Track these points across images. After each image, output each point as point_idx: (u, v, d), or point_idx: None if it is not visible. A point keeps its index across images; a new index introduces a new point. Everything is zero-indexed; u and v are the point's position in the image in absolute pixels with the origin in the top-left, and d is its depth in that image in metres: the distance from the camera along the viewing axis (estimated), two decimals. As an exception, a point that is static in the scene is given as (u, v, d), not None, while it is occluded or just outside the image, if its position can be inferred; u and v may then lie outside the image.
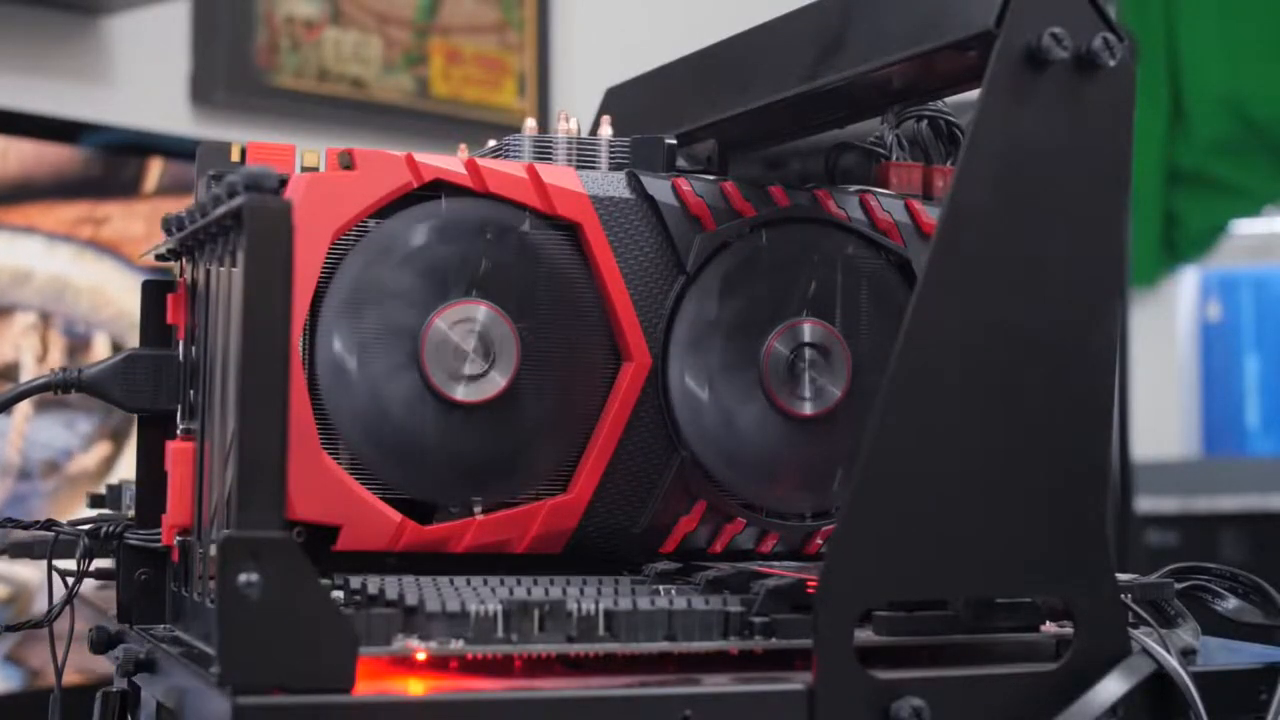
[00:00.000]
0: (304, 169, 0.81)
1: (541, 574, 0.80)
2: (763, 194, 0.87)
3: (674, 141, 0.88)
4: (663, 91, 1.01)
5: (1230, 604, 0.83)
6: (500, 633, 0.68)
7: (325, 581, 0.69)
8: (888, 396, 0.69)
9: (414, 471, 0.81)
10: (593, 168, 0.87)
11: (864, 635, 0.71)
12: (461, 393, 0.81)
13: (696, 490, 0.85)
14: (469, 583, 0.76)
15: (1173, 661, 0.72)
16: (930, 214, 0.90)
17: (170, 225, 0.82)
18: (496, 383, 0.81)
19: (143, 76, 1.96)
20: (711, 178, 0.87)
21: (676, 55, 1.00)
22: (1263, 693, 0.75)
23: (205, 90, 2.01)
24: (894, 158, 0.97)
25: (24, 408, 1.64)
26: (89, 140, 1.64)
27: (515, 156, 0.86)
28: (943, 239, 0.71)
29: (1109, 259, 0.74)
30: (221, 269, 0.74)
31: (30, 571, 1.56)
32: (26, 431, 1.67)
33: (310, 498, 0.78)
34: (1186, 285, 3.30)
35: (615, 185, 0.85)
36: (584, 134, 0.88)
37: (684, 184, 0.86)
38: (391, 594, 0.71)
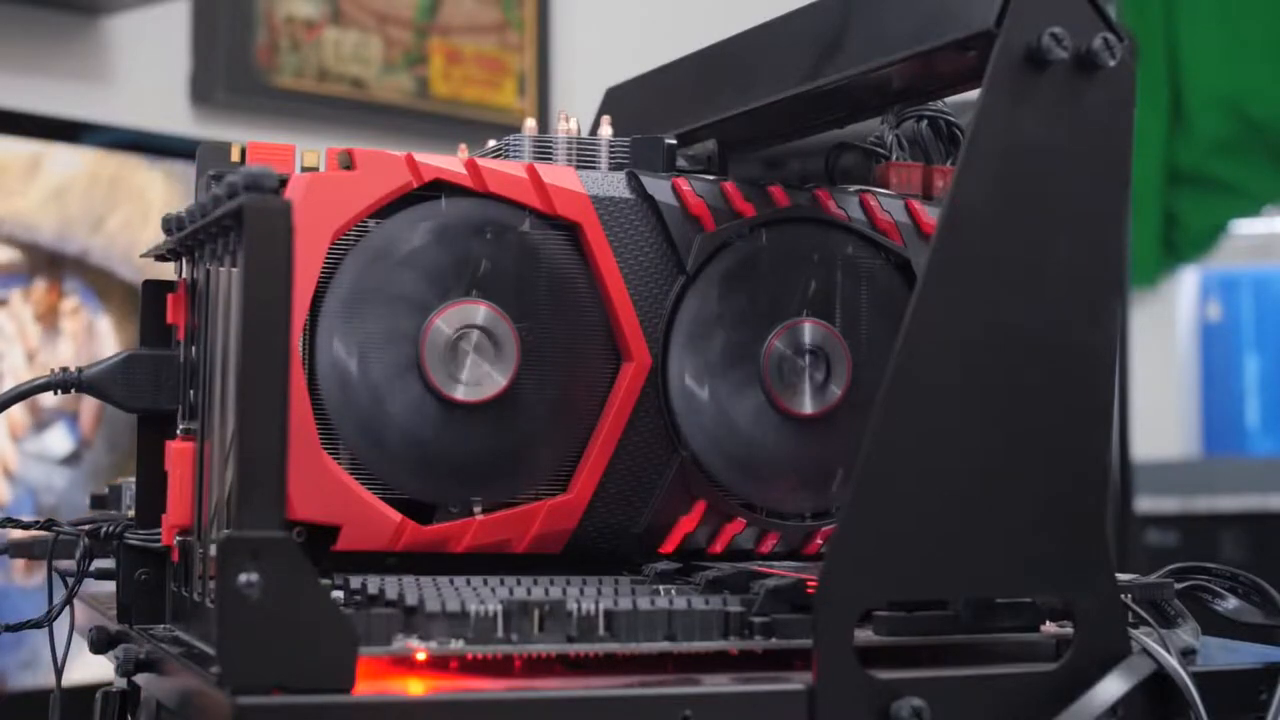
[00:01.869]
0: (304, 169, 0.81)
1: (541, 574, 0.80)
2: (763, 194, 0.87)
3: (674, 141, 0.88)
4: (663, 91, 1.01)
5: (1230, 604, 0.83)
6: (500, 633, 0.68)
7: (325, 581, 0.69)
8: (887, 396, 0.69)
9: (414, 471, 0.81)
10: (593, 168, 0.87)
11: (864, 635, 0.71)
12: (461, 393, 0.81)
13: (696, 490, 0.85)
14: (469, 583, 0.76)
15: (1173, 661, 0.72)
16: (930, 214, 0.90)
17: (170, 225, 0.82)
18: (496, 383, 0.81)
19: (143, 76, 1.96)
20: (711, 178, 0.87)
21: (676, 55, 1.00)
22: (1263, 693, 0.75)
23: (205, 90, 2.01)
24: (894, 158, 0.97)
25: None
26: (89, 140, 1.64)
27: (515, 156, 0.86)
28: (943, 239, 0.71)
29: (1109, 259, 0.74)
30: (221, 269, 0.74)
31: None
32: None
33: (310, 498, 0.78)
34: (1186, 285, 3.30)
35: (615, 185, 0.85)
36: (584, 134, 0.88)
37: (684, 184, 0.86)
38: (391, 594, 0.71)
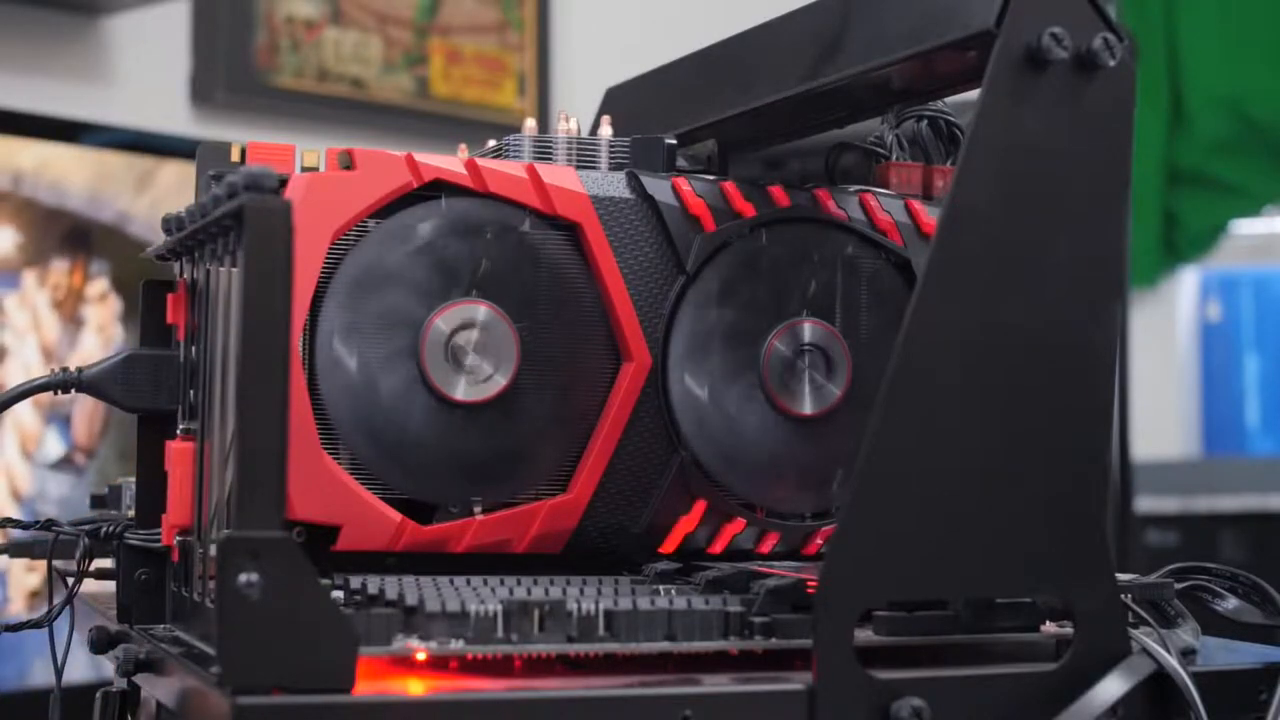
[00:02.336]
0: (304, 169, 0.81)
1: (541, 574, 0.80)
2: (763, 194, 0.87)
3: (674, 141, 0.88)
4: (663, 91, 1.01)
5: (1230, 604, 0.83)
6: (500, 633, 0.68)
7: (325, 581, 0.69)
8: (888, 396, 0.69)
9: (414, 471, 0.81)
10: (593, 168, 0.87)
11: (864, 635, 0.71)
12: (461, 393, 0.81)
13: (696, 490, 0.85)
14: (469, 583, 0.76)
15: (1173, 661, 0.72)
16: (930, 214, 0.90)
17: (170, 225, 0.82)
18: (496, 383, 0.81)
19: (143, 76, 1.96)
20: (711, 178, 0.87)
21: (676, 55, 1.00)
22: (1263, 693, 0.75)
23: (205, 90, 2.01)
24: (894, 158, 0.97)
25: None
26: (89, 140, 1.64)
27: (515, 156, 0.86)
28: (943, 239, 0.71)
29: (1109, 259, 0.74)
30: (221, 269, 0.74)
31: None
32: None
33: (310, 498, 0.78)
34: (1186, 285, 3.30)
35: (615, 185, 0.85)
36: (584, 134, 0.88)
37: (684, 184, 0.86)
38: (391, 594, 0.71)
